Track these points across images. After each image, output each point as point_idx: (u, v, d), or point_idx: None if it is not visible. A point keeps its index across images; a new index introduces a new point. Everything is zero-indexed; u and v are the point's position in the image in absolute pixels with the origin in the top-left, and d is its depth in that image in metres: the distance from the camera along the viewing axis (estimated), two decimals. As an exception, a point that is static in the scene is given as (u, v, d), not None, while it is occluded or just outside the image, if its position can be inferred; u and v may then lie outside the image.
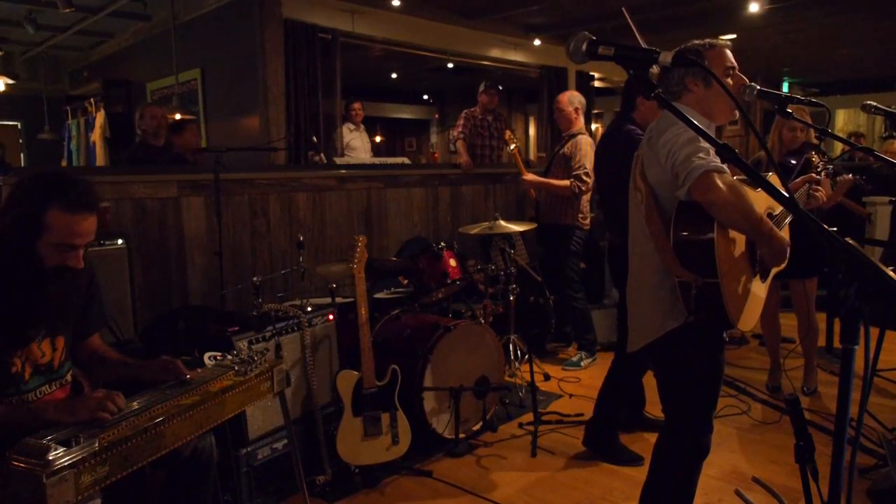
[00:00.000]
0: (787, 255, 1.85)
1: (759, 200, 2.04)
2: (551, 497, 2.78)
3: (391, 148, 13.59)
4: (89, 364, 2.00)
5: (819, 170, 2.64)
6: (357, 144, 6.42)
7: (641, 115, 3.22)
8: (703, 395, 1.99)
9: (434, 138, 13.77)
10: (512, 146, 4.45)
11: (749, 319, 1.95)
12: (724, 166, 1.74)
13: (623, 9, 2.49)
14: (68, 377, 1.91)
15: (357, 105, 6.41)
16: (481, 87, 5.53)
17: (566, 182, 4.31)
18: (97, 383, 1.96)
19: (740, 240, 1.90)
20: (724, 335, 2.02)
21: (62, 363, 1.88)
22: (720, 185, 1.69)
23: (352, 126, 6.42)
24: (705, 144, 1.75)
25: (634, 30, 2.34)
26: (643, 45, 2.05)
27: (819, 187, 2.58)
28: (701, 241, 1.78)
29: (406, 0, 5.99)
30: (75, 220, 1.71)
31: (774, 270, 2.10)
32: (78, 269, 1.78)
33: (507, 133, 4.63)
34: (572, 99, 4.41)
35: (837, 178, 3.31)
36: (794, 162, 3.51)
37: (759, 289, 2.02)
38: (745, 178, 1.91)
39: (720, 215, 1.75)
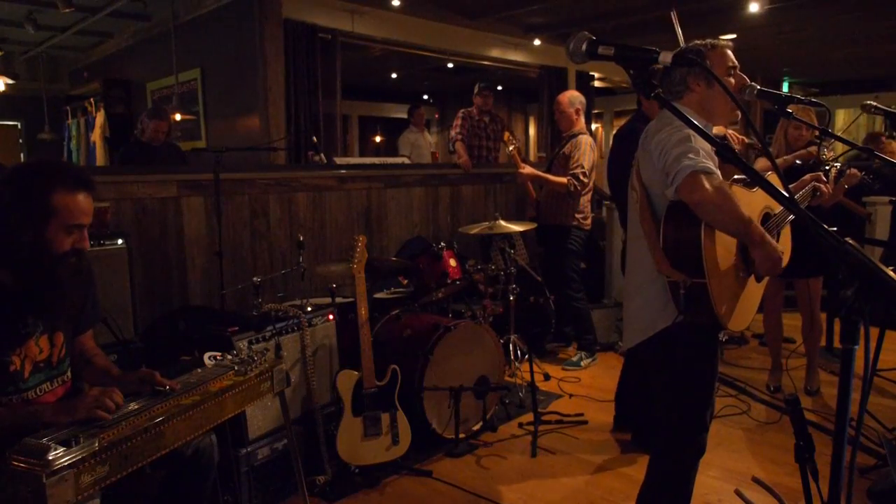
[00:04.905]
0: (780, 263, 1.81)
1: (758, 200, 2.03)
2: (551, 497, 2.78)
3: (391, 148, 13.56)
4: (77, 363, 1.98)
5: (827, 168, 2.63)
6: (422, 143, 7.43)
7: (647, 111, 3.30)
8: (696, 394, 1.99)
9: (434, 138, 13.76)
10: (511, 147, 4.45)
11: (741, 320, 1.95)
12: (714, 167, 1.73)
13: (673, 13, 2.51)
14: (69, 374, 1.91)
15: (421, 110, 7.70)
16: (475, 89, 5.53)
17: (563, 179, 4.31)
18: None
19: (731, 240, 1.89)
20: (722, 335, 2.02)
21: (62, 360, 1.88)
22: (706, 185, 1.69)
23: (415, 129, 7.47)
24: (698, 144, 1.75)
25: (678, 31, 2.37)
26: (683, 43, 2.06)
27: (825, 185, 2.57)
28: (688, 241, 1.78)
29: (406, 0, 5.99)
30: (79, 198, 1.74)
31: None
32: (82, 255, 1.81)
33: (507, 135, 4.63)
34: (573, 100, 4.41)
35: (846, 172, 3.31)
36: (799, 162, 3.50)
37: (753, 289, 2.01)
38: (743, 177, 1.91)
39: (706, 216, 1.74)
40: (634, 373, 3.28)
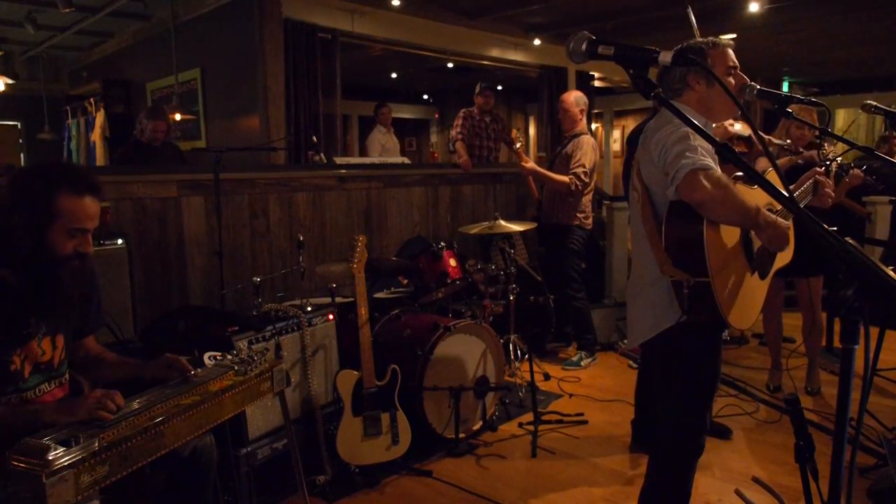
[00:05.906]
0: (788, 237, 1.82)
1: (760, 195, 2.03)
2: (551, 497, 2.78)
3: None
4: (86, 365, 1.99)
5: (828, 163, 2.62)
6: (391, 146, 6.97)
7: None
8: (698, 394, 1.99)
9: (434, 138, 13.76)
10: (518, 145, 4.45)
11: (745, 318, 1.95)
12: (712, 164, 1.73)
13: (689, 10, 2.52)
14: (67, 376, 1.91)
15: (387, 109, 7.02)
16: (477, 89, 5.53)
17: (565, 178, 4.31)
18: (96, 384, 1.96)
19: (734, 237, 1.89)
20: (725, 334, 2.02)
21: (62, 362, 1.88)
22: (705, 183, 1.68)
23: (383, 129, 6.97)
24: (697, 143, 1.75)
25: (694, 24, 2.37)
26: (699, 36, 2.07)
27: (827, 181, 2.57)
28: (691, 240, 1.78)
29: (406, 0, 5.99)
30: (84, 202, 1.73)
31: (775, 267, 2.09)
32: (86, 258, 1.80)
33: (514, 132, 4.64)
34: (578, 100, 4.41)
35: (850, 172, 3.30)
36: (801, 162, 3.50)
37: (757, 286, 2.01)
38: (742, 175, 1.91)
39: (709, 213, 1.74)
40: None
